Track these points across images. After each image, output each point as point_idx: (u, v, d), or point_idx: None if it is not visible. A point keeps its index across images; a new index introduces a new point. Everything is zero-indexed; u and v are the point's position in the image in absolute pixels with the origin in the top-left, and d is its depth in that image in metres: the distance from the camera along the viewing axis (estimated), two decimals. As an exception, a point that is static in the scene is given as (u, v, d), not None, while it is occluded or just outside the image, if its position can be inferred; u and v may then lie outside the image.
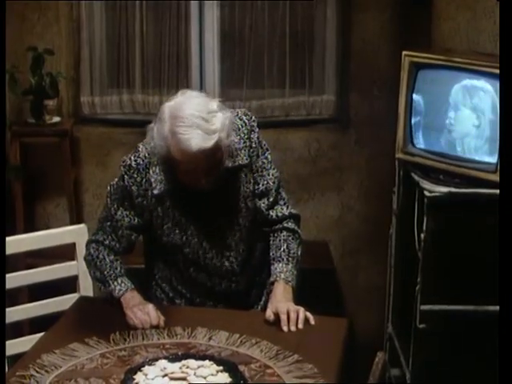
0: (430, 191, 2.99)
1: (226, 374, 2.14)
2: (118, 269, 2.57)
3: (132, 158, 2.55)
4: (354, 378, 2.41)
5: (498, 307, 2.01)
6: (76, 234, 2.90)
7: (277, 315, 2.45)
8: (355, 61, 4.31)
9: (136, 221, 2.58)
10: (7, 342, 2.64)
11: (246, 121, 2.59)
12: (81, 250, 2.80)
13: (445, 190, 2.99)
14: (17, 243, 2.82)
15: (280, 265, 2.58)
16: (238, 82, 4.37)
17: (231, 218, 2.59)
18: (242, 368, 2.18)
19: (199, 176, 2.41)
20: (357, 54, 4.30)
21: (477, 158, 3.01)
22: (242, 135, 2.56)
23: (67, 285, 2.92)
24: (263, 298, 2.69)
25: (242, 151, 2.56)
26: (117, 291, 2.53)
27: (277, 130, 4.30)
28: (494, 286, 2.09)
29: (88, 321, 2.49)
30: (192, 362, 2.18)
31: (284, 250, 2.61)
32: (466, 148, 3.07)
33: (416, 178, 3.14)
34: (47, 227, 3.99)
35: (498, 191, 2.43)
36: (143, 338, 2.37)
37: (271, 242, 2.64)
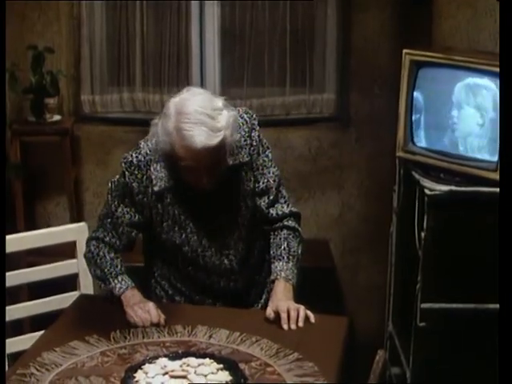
0: (431, 190, 2.99)
1: (227, 372, 2.14)
2: (119, 267, 2.57)
3: (133, 154, 2.55)
4: (355, 376, 2.41)
5: (498, 305, 2.01)
6: (76, 232, 2.90)
7: (277, 313, 2.45)
8: (356, 59, 4.32)
9: (136, 218, 2.58)
10: (7, 340, 2.64)
11: (247, 119, 2.59)
12: (81, 248, 2.80)
13: (445, 188, 2.99)
14: (17, 241, 2.82)
15: (280, 263, 2.58)
16: (239, 80, 4.37)
17: (231, 217, 2.59)
18: (242, 366, 2.18)
19: (201, 174, 2.41)
20: (357, 52, 4.30)
21: (479, 156, 3.01)
22: (243, 133, 2.56)
23: (68, 283, 2.92)
24: (263, 297, 2.69)
25: (243, 149, 2.56)
26: (117, 289, 2.53)
27: (277, 129, 4.30)
28: (494, 285, 2.08)
29: (88, 319, 2.49)
30: (192, 360, 2.18)
31: (284, 249, 2.60)
32: (468, 147, 3.06)
33: (416, 176, 3.14)
34: (48, 226, 3.98)
35: (498, 190, 2.43)
36: (143, 336, 2.37)
37: (271, 240, 2.64)
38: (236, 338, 2.35)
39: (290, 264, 2.58)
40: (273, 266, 2.59)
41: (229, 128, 2.38)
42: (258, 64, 4.37)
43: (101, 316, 2.50)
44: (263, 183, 2.61)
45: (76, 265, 2.88)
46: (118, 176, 2.59)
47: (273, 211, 2.64)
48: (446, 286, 3.05)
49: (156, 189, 2.53)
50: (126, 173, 2.54)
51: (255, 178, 2.61)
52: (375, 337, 3.80)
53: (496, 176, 2.82)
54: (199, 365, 2.16)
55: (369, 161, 4.37)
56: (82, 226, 2.94)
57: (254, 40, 4.35)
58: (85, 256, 2.66)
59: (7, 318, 2.63)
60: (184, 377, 2.11)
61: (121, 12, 4.30)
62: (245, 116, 2.59)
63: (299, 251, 2.63)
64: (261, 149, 2.61)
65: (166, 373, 2.12)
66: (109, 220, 2.60)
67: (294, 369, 2.19)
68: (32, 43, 4.06)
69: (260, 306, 2.68)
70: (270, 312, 2.47)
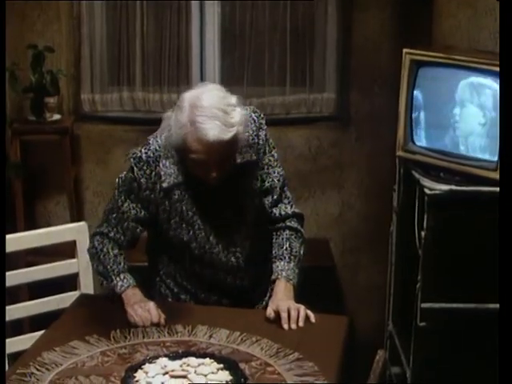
0: (431, 189, 2.99)
1: (227, 372, 2.14)
2: (122, 264, 2.57)
3: (142, 150, 2.55)
4: (355, 376, 2.41)
5: (498, 305, 2.01)
6: (76, 231, 2.90)
7: (277, 313, 2.45)
8: (356, 58, 4.31)
9: (142, 214, 2.58)
10: (7, 340, 2.63)
11: (255, 118, 2.60)
12: (81, 248, 2.81)
13: (445, 187, 2.99)
14: (17, 241, 2.81)
15: (282, 263, 2.59)
16: (239, 79, 4.37)
17: (238, 214, 2.60)
18: (242, 366, 2.18)
19: (211, 169, 2.42)
20: (357, 51, 4.30)
21: (479, 156, 3.01)
22: (251, 132, 2.57)
23: (68, 282, 2.92)
24: (268, 295, 2.69)
25: (251, 148, 2.57)
26: (119, 287, 2.52)
27: (277, 128, 4.28)
28: (495, 284, 2.08)
29: (88, 318, 2.49)
30: (192, 360, 2.18)
31: (286, 249, 2.62)
32: (469, 146, 3.06)
33: (416, 175, 3.14)
34: (48, 225, 3.98)
35: (498, 189, 2.43)
36: (144, 336, 2.37)
37: (274, 240, 2.65)
38: (236, 337, 2.35)
39: (292, 264, 2.59)
40: (274, 266, 2.59)
41: (242, 124, 2.40)
42: (258, 63, 4.37)
43: (101, 316, 2.50)
44: (268, 183, 2.62)
45: (76, 264, 2.88)
46: (125, 172, 2.60)
47: (276, 211, 2.65)
48: (446, 285, 3.05)
49: (165, 185, 2.53)
50: (135, 168, 2.54)
51: (261, 178, 2.62)
52: (375, 336, 3.80)
53: (496, 175, 2.82)
54: (199, 364, 2.16)
55: (369, 160, 4.37)
56: (81, 225, 2.94)
57: (254, 39, 4.34)
58: (88, 251, 2.66)
59: (7, 318, 2.63)
60: (184, 376, 2.11)
61: (121, 11, 4.30)
62: (253, 115, 2.60)
63: (301, 252, 2.64)
64: (267, 148, 2.62)
65: (167, 372, 2.12)
66: (114, 215, 2.60)
67: (294, 368, 2.19)
68: (32, 42, 4.06)
69: (265, 303, 2.68)
70: (270, 312, 2.47)
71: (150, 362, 2.18)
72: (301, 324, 2.43)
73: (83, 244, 2.79)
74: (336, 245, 4.44)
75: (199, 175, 2.47)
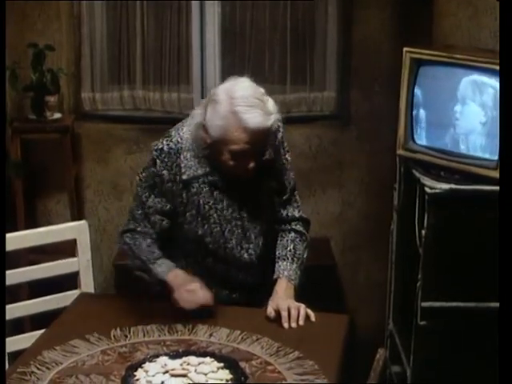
0: (431, 188, 2.99)
1: (227, 371, 2.14)
2: (156, 252, 2.56)
3: (164, 142, 2.56)
4: (355, 374, 2.41)
5: (498, 304, 2.01)
6: (77, 230, 2.90)
7: (278, 312, 2.46)
8: (356, 57, 4.31)
9: (168, 207, 2.58)
10: (8, 339, 2.63)
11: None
12: (82, 246, 2.81)
13: (446, 186, 2.98)
14: (18, 239, 2.81)
15: (284, 263, 2.61)
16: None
17: (253, 211, 2.62)
18: (242, 365, 2.18)
19: (249, 159, 2.44)
20: (358, 50, 4.30)
21: (480, 155, 3.00)
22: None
23: (68, 281, 2.92)
24: None
25: (269, 148, 2.58)
26: (159, 274, 2.51)
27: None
28: (495, 283, 2.08)
29: (89, 317, 2.49)
30: (193, 359, 2.18)
31: (290, 250, 2.64)
32: (470, 145, 3.06)
33: (417, 174, 3.14)
34: (48, 224, 3.98)
35: (498, 188, 2.43)
36: (144, 335, 2.37)
37: (279, 241, 2.68)
38: (236, 336, 2.35)
39: (294, 265, 2.61)
40: (276, 266, 2.62)
41: (276, 113, 2.45)
42: (258, 62, 4.37)
43: (101, 314, 2.50)
44: (280, 183, 2.65)
45: (76, 263, 2.88)
46: (145, 167, 2.60)
47: (283, 212, 2.69)
48: (446, 283, 3.05)
49: (184, 177, 2.54)
50: (157, 160, 2.55)
51: (275, 177, 2.64)
52: (375, 335, 3.80)
53: (496, 174, 2.82)
54: (200, 363, 2.16)
55: (369, 159, 4.37)
56: (82, 224, 2.94)
57: (255, 38, 4.34)
58: (121, 249, 2.66)
59: (7, 317, 2.63)
60: (184, 375, 2.11)
61: (121, 10, 4.30)
62: None
63: (304, 255, 2.67)
64: (282, 150, 2.66)
65: (167, 371, 2.13)
66: (139, 211, 2.61)
67: (295, 367, 2.19)
68: (32, 41, 4.06)
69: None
70: (270, 310, 2.48)
71: (151, 361, 2.18)
72: (301, 323, 2.44)
73: (84, 242, 2.79)
74: (336, 243, 4.44)
75: (234, 168, 2.47)
